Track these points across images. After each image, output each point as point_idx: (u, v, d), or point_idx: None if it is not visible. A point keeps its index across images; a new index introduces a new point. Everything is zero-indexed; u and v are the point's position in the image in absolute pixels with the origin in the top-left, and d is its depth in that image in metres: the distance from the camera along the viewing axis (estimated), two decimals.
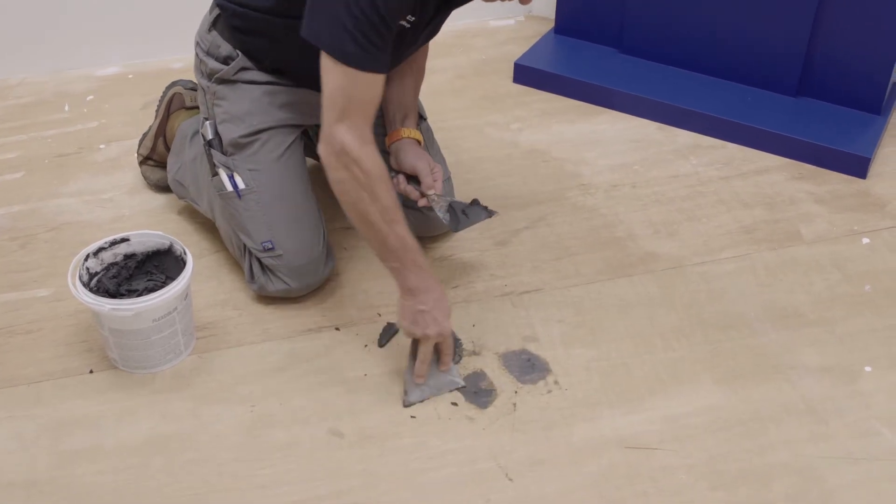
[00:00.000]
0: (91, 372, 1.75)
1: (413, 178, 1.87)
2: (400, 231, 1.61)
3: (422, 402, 1.68)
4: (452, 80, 2.63)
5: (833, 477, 1.56)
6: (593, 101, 2.52)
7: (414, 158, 1.86)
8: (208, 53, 1.87)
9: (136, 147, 2.23)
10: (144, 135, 2.20)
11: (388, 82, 1.78)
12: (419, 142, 1.90)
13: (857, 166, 2.25)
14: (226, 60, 1.85)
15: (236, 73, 1.84)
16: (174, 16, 2.61)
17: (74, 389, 1.72)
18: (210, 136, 1.86)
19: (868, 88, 2.35)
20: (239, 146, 1.82)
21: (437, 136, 2.31)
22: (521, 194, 2.20)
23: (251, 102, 1.83)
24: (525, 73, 2.59)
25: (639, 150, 2.36)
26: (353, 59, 1.51)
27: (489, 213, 1.89)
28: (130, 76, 2.62)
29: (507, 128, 2.43)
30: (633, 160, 2.32)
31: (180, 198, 2.07)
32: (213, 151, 1.86)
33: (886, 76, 2.33)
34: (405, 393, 1.68)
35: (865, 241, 2.06)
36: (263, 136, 1.83)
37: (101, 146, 2.35)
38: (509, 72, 2.63)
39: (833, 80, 2.38)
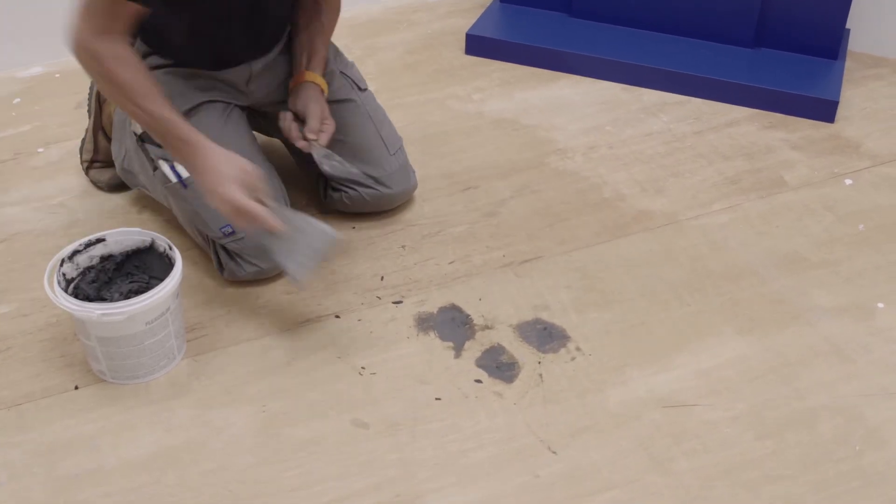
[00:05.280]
0: (76, 388, 1.59)
1: (302, 122, 1.79)
2: (150, 106, 1.56)
3: (313, 270, 1.59)
4: (403, 55, 2.53)
5: (874, 414, 1.54)
6: (551, 67, 2.46)
7: (307, 100, 1.78)
8: None
9: (78, 155, 2.06)
10: (83, 140, 2.04)
11: (295, 23, 1.82)
12: (322, 89, 1.81)
13: (825, 111, 2.25)
14: None
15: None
16: None
17: (60, 409, 1.56)
18: (139, 131, 1.73)
19: (824, 35, 2.36)
20: None
21: (399, 112, 2.22)
22: (499, 164, 2.12)
23: (164, 87, 1.71)
24: (478, 44, 2.51)
25: (607, 111, 2.31)
26: None
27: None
28: (57, 75, 2.42)
29: (470, 99, 2.35)
30: (604, 122, 2.27)
31: (132, 186, 1.91)
32: (147, 146, 1.73)
33: (841, 21, 2.34)
34: (289, 274, 1.59)
35: (848, 182, 2.06)
36: (191, 116, 1.70)
37: (40, 150, 2.16)
38: (460, 44, 2.55)
39: (789, 29, 2.38)
